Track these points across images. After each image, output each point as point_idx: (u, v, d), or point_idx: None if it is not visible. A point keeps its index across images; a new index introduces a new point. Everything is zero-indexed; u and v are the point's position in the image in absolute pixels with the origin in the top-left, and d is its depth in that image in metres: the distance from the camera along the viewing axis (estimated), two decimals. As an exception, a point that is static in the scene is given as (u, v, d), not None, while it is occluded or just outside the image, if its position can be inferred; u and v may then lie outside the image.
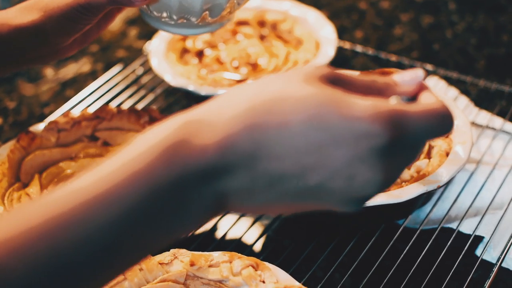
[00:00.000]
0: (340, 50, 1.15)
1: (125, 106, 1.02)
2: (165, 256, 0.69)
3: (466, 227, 0.81)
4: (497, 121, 0.97)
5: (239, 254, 0.69)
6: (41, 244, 0.41)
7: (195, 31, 0.81)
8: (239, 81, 1.01)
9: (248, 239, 0.82)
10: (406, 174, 0.79)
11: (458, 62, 1.16)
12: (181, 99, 1.07)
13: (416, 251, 0.76)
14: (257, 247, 0.82)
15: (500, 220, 0.80)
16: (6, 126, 1.06)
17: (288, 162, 0.44)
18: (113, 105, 1.02)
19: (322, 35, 1.08)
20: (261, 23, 1.14)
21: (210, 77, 1.02)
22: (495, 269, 0.75)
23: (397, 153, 0.45)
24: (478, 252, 0.79)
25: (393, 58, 1.12)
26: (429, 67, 1.08)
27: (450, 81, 1.06)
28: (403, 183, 0.77)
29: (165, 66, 1.02)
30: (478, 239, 0.80)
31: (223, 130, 0.44)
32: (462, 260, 0.76)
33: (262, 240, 0.83)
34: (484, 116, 0.98)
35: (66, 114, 0.91)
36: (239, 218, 0.83)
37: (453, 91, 1.04)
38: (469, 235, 0.79)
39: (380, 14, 1.32)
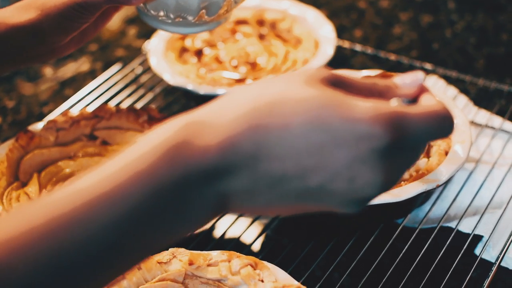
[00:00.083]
0: (339, 49, 1.15)
1: (124, 105, 1.02)
2: (163, 255, 0.69)
3: (465, 226, 0.81)
4: (496, 120, 0.96)
5: (238, 253, 0.69)
6: (43, 244, 0.41)
7: (192, 29, 0.81)
8: (238, 80, 1.01)
9: (247, 238, 0.82)
10: (405, 173, 0.79)
11: (458, 61, 1.16)
12: (180, 98, 1.07)
13: (415, 250, 0.76)
14: (256, 246, 0.82)
15: (499, 219, 0.80)
16: (5, 125, 1.06)
17: (289, 163, 0.44)
18: (112, 104, 1.02)
19: (321, 34, 1.08)
20: (260, 22, 1.14)
21: (209, 76, 1.02)
22: (494, 268, 0.75)
23: (398, 154, 0.46)
24: (477, 251, 0.79)
25: (392, 57, 1.12)
26: (428, 66, 1.08)
27: (449, 80, 1.06)
28: (402, 182, 0.77)
29: (164, 65, 1.02)
30: (477, 238, 0.80)
31: (225, 131, 0.44)
32: (461, 259, 0.76)
33: (261, 239, 0.83)
34: (483, 115, 0.98)
35: (65, 113, 0.91)
36: (238, 218, 0.83)
37: (452, 90, 1.03)
38: (468, 234, 0.79)
39: (379, 13, 1.32)
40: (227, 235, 0.82)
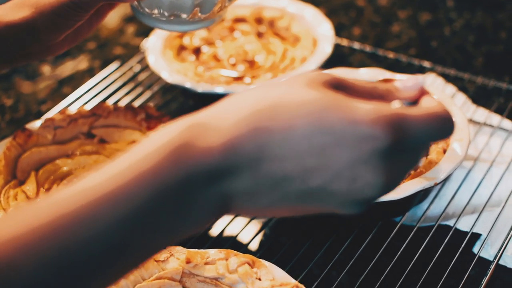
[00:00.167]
0: (337, 47, 1.15)
1: (122, 103, 1.02)
2: (161, 254, 0.69)
3: (464, 225, 0.81)
4: (495, 118, 0.96)
5: (235, 252, 0.69)
6: (48, 243, 0.42)
7: (187, 27, 0.82)
8: (236, 78, 1.01)
9: (245, 236, 0.82)
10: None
11: (456, 59, 1.16)
12: (178, 96, 1.07)
13: (413, 248, 0.76)
14: (254, 244, 0.82)
15: (497, 217, 0.80)
16: (3, 123, 1.06)
17: (291, 164, 0.45)
18: (110, 102, 1.01)
19: (320, 32, 1.08)
20: (259, 20, 1.14)
21: (207, 74, 1.02)
22: (492, 267, 0.75)
23: (399, 156, 0.46)
24: (475, 249, 0.79)
25: (391, 55, 1.12)
26: (427, 64, 1.08)
27: (448, 78, 1.06)
28: (400, 180, 0.77)
29: (162, 63, 1.02)
30: (476, 236, 0.80)
31: (228, 133, 0.45)
32: (459, 257, 0.76)
33: (258, 237, 0.83)
34: (482, 113, 0.98)
35: (62, 112, 0.91)
36: (235, 216, 0.83)
37: (451, 88, 1.03)
38: (467, 233, 0.79)
39: (378, 11, 1.32)
40: (225, 234, 0.82)
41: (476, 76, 1.05)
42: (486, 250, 0.78)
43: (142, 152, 0.45)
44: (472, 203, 0.83)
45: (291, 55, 1.05)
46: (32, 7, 0.74)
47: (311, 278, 0.74)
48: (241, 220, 0.84)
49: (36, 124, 0.89)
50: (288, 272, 0.69)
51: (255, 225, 0.84)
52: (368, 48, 1.15)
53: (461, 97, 1.02)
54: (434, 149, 0.80)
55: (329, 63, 1.02)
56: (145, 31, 1.21)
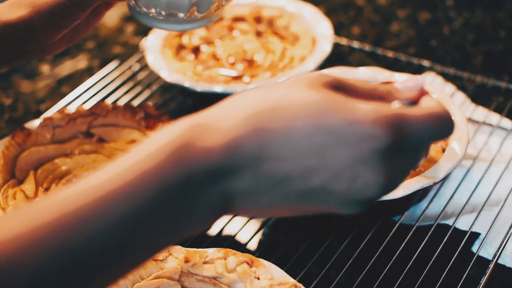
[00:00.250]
0: (336, 46, 1.15)
1: (121, 102, 1.02)
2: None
3: (463, 224, 0.81)
4: (494, 117, 0.96)
5: (234, 251, 0.69)
6: (51, 241, 0.42)
7: (184, 26, 0.82)
8: (235, 78, 1.01)
9: (244, 235, 0.82)
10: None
11: (455, 58, 1.16)
12: (177, 96, 1.07)
13: (412, 247, 0.76)
14: (253, 243, 0.82)
15: (496, 217, 0.80)
16: (2, 122, 1.06)
17: (291, 164, 0.45)
18: (109, 101, 1.01)
19: (319, 31, 1.08)
20: (258, 19, 1.14)
21: (206, 73, 1.02)
22: (491, 266, 0.75)
23: (399, 155, 0.47)
24: (474, 248, 0.79)
25: (390, 54, 1.12)
26: (426, 63, 1.08)
27: (447, 77, 1.06)
28: (399, 180, 0.77)
29: (161, 63, 1.02)
30: (475, 235, 0.80)
31: (229, 133, 0.45)
32: (458, 256, 0.76)
33: (257, 236, 0.83)
34: (481, 112, 0.98)
35: (61, 111, 0.91)
36: (234, 215, 0.83)
37: (450, 87, 1.03)
38: (466, 232, 0.79)
39: (377, 10, 1.32)
40: (224, 233, 0.82)
41: (475, 75, 1.05)
42: (485, 249, 0.78)
43: (143, 152, 0.45)
44: (471, 202, 0.83)
45: (290, 54, 1.05)
46: (29, 6, 0.74)
47: (309, 277, 0.74)
48: (240, 220, 0.83)
49: (35, 123, 0.89)
50: (286, 271, 0.69)
51: (254, 224, 0.84)
52: (367, 47, 1.15)
53: (460, 96, 1.02)
54: (433, 148, 0.80)
55: (328, 62, 1.02)
56: (144, 30, 1.21)
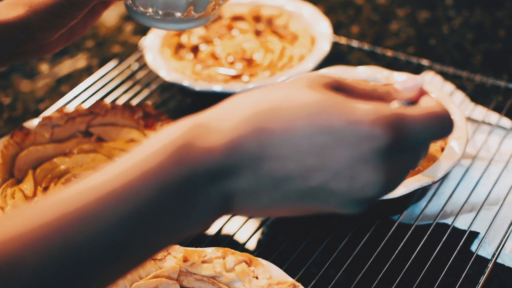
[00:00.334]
0: (335, 45, 1.15)
1: (120, 101, 1.02)
2: (158, 252, 0.69)
3: (462, 223, 0.81)
4: (493, 117, 0.96)
5: (232, 250, 0.69)
6: (52, 240, 0.42)
7: (181, 26, 0.82)
8: (234, 77, 1.01)
9: (242, 235, 0.82)
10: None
11: (455, 57, 1.16)
12: (176, 95, 1.07)
13: (411, 247, 0.76)
14: (251, 243, 0.82)
15: (495, 216, 0.80)
16: (1, 121, 1.06)
17: (292, 163, 0.46)
18: (108, 100, 1.01)
19: (318, 30, 1.08)
20: (257, 18, 1.14)
21: (205, 72, 1.02)
22: (490, 265, 0.75)
23: (399, 155, 0.47)
24: (473, 247, 0.79)
25: (389, 53, 1.12)
26: (425, 62, 1.08)
27: (446, 76, 1.06)
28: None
29: (160, 62, 1.02)
30: (474, 234, 0.80)
31: (229, 133, 0.46)
32: (457, 255, 0.75)
33: (256, 236, 0.82)
34: (480, 112, 0.98)
35: (60, 110, 0.91)
36: (233, 215, 0.83)
37: (449, 86, 1.03)
38: (464, 231, 0.79)
39: (376, 9, 1.32)
40: (222, 232, 0.82)
41: (475, 74, 1.05)
42: (484, 249, 0.78)
43: (144, 152, 0.45)
44: (470, 201, 0.83)
45: (289, 53, 1.05)
46: (26, 5, 0.74)
47: (308, 276, 0.74)
48: (238, 219, 0.83)
49: (33, 123, 0.89)
50: (285, 270, 0.69)
51: (253, 223, 0.84)
52: (366, 46, 1.14)
53: (460, 95, 1.02)
54: (432, 147, 0.80)
55: (327, 61, 1.02)
56: (143, 30, 1.21)
